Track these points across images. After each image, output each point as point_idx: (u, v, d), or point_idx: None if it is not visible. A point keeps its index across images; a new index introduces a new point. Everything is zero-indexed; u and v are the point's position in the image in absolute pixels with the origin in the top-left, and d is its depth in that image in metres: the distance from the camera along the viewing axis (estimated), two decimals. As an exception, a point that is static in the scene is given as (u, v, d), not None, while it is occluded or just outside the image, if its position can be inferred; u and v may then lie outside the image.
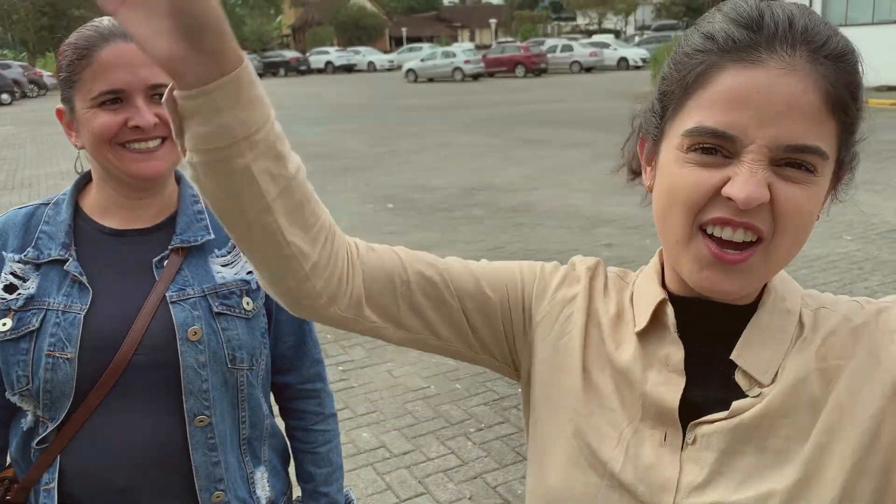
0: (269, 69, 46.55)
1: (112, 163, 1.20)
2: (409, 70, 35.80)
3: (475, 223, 7.68)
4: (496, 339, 0.88)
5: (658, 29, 52.14)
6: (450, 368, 4.31)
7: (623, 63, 36.02)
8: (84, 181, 1.32)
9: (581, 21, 69.66)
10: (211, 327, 1.23)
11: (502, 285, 0.88)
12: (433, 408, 3.86)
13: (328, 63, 48.06)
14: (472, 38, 77.03)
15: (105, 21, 1.21)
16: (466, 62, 34.24)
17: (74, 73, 1.18)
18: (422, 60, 35.90)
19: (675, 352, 0.79)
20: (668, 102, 0.77)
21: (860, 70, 0.72)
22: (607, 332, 0.85)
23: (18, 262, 1.23)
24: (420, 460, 3.37)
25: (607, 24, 64.75)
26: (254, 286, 1.30)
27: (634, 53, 36.58)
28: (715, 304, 0.78)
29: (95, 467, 1.21)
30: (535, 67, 34.57)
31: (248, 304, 1.28)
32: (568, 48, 35.96)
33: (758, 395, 0.75)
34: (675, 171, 0.73)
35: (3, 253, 1.24)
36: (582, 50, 34.55)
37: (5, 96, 30.43)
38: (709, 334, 0.79)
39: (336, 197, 9.28)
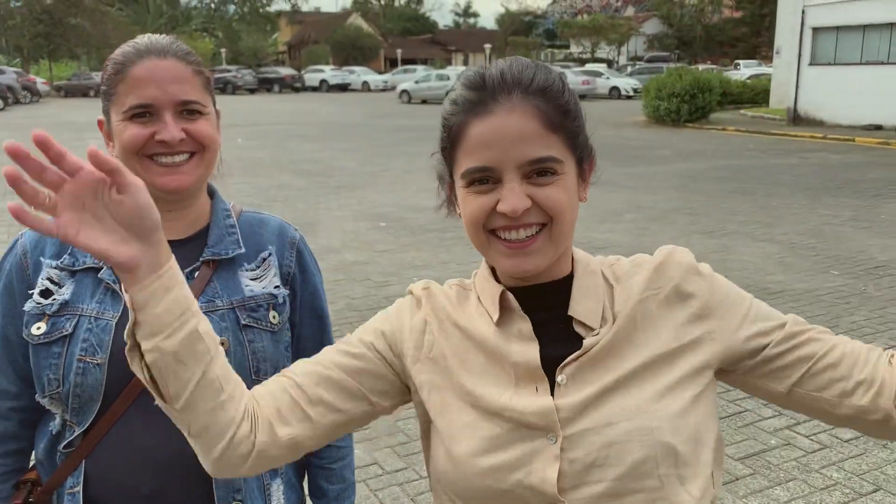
0: (263, 85, 46.71)
1: (139, 174, 1.23)
2: (403, 91, 36.05)
3: (467, 244, 7.66)
4: (389, 382, 1.05)
5: (650, 60, 52.89)
6: (442, 388, 4.33)
7: (615, 92, 36.48)
8: None
9: (574, 49, 70.48)
10: (238, 339, 1.27)
11: (370, 345, 1.05)
12: (425, 426, 3.88)
13: (323, 81, 48.31)
14: (465, 62, 77.67)
15: (143, 39, 1.26)
16: (460, 85, 34.51)
17: (111, 86, 1.23)
18: (416, 82, 36.22)
19: (524, 324, 1.00)
20: (447, 156, 1.01)
21: (566, 92, 0.96)
22: (468, 327, 1.03)
23: (55, 268, 1.26)
24: (412, 478, 3.39)
25: (600, 54, 65.55)
26: (280, 300, 1.33)
27: (626, 83, 37.07)
28: (542, 286, 1.01)
29: (119, 473, 1.23)
30: (529, 93, 34.81)
31: (274, 317, 1.32)
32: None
33: (597, 334, 0.98)
34: (464, 202, 0.98)
35: (41, 259, 1.27)
36: (574, 78, 34.89)
37: (-2, 102, 30.35)
38: (544, 306, 1.02)
39: (329, 214, 9.32)
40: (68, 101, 38.91)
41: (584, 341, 0.98)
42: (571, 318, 1.00)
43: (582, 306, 1.00)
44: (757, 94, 27.81)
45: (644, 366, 0.97)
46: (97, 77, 44.90)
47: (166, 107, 1.21)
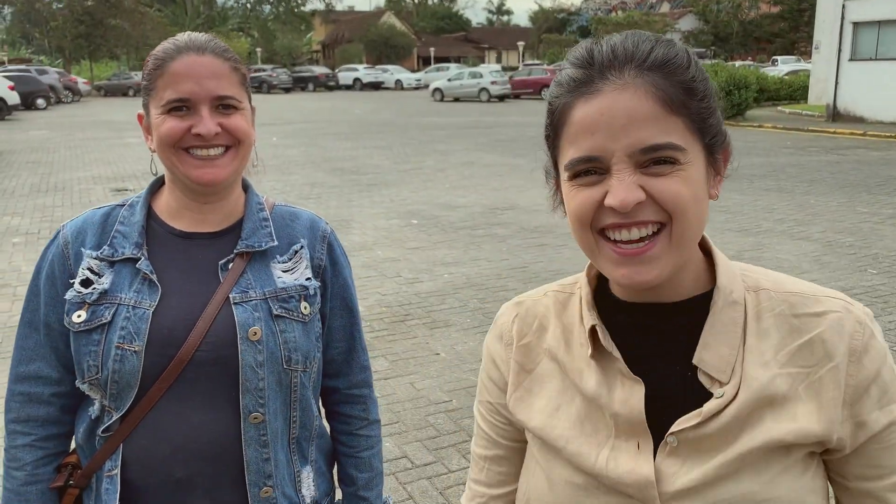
0: (298, 83, 47.13)
1: (176, 166, 1.27)
2: (436, 89, 36.09)
3: (498, 242, 7.74)
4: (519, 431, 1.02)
5: (686, 57, 52.09)
6: (472, 384, 4.35)
7: (649, 89, 36.05)
8: (157, 184, 1.40)
9: (608, 46, 69.80)
10: (270, 329, 1.30)
11: (494, 427, 1.06)
12: (455, 421, 3.91)
13: (356, 80, 48.59)
14: (498, 60, 77.49)
15: (182, 37, 1.30)
16: (493, 83, 34.48)
17: (151, 81, 1.27)
18: (448, 80, 36.21)
19: (624, 368, 0.87)
20: (551, 146, 0.90)
21: (692, 67, 0.82)
22: (565, 361, 0.94)
23: (95, 258, 1.30)
24: (441, 472, 3.42)
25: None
26: (311, 292, 1.36)
27: (661, 80, 36.60)
28: (661, 306, 0.87)
29: (155, 457, 1.27)
30: (562, 91, 34.66)
31: (305, 308, 1.34)
32: (595, 73, 36.04)
33: (721, 396, 0.83)
34: (569, 197, 0.85)
35: (82, 249, 1.31)
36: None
37: (41, 101, 31.07)
38: (660, 333, 0.87)
39: (362, 211, 9.39)
40: (108, 101, 39.69)
41: (706, 405, 0.83)
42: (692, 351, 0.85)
43: (713, 353, 0.84)
44: (795, 91, 27.32)
45: (767, 448, 0.82)
46: (136, 77, 45.76)
47: (203, 101, 1.24)
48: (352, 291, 1.48)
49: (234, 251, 1.33)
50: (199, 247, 1.34)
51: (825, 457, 0.87)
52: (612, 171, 0.80)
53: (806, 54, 44.86)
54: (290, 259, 1.37)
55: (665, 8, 73.73)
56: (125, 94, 43.11)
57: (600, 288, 0.95)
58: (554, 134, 0.87)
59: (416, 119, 24.45)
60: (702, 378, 0.84)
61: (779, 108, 25.44)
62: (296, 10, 73.65)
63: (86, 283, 1.29)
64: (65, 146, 16.87)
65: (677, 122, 0.80)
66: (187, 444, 1.27)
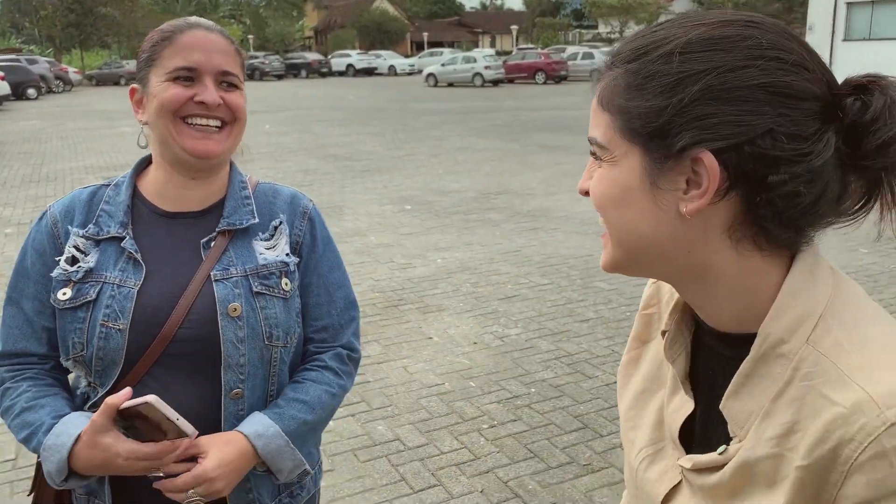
0: (290, 70, 46.92)
1: (171, 135, 1.28)
2: (430, 74, 35.95)
3: (491, 226, 7.76)
4: None
5: (680, 39, 51.86)
6: (463, 367, 4.38)
7: (643, 72, 35.96)
8: (143, 164, 1.42)
9: (603, 29, 69.60)
10: (250, 305, 1.32)
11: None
12: (447, 404, 3.94)
13: (349, 66, 48.35)
14: (492, 44, 77.16)
15: (191, 18, 1.34)
16: (487, 68, 34.36)
17: (156, 52, 1.30)
18: (442, 65, 36.06)
19: (685, 382, 0.84)
20: None
21: (647, 59, 0.71)
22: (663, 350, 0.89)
23: (81, 237, 1.32)
24: (433, 453, 3.45)
25: (629, 34, 64.57)
26: (292, 268, 1.38)
27: (655, 63, 36.50)
28: (716, 333, 0.78)
29: None
30: (556, 74, 34.62)
31: (286, 284, 1.36)
32: (589, 56, 35.98)
33: (722, 453, 0.74)
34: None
35: (70, 227, 1.33)
36: (602, 58, 34.39)
37: (32, 91, 30.90)
38: (730, 362, 0.76)
39: (355, 197, 9.39)
40: (99, 90, 39.47)
41: (700, 456, 0.77)
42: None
43: (738, 405, 0.73)
44: (789, 72, 27.28)
45: None
46: (128, 65, 45.50)
47: (208, 73, 1.28)
48: (333, 267, 1.46)
49: (217, 229, 1.35)
50: (183, 226, 1.36)
51: None
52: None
53: (801, 35, 44.66)
54: (272, 236, 1.39)
55: (659, -10, 73.40)
56: (116, 83, 42.86)
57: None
58: None
59: (410, 105, 24.39)
60: (730, 427, 0.74)
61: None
62: (287, -3, 73.27)
63: (71, 261, 1.31)
64: (56, 136, 16.80)
65: (605, 118, 0.74)
66: None
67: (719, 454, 0.74)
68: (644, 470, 0.86)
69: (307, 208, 1.46)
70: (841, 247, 6.64)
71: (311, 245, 1.44)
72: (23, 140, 16.31)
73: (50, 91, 35.15)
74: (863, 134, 0.68)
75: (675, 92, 0.69)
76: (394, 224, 7.98)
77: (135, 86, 1.35)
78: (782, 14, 63.66)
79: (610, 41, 56.11)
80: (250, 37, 61.95)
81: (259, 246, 1.37)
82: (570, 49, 40.45)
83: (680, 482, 0.81)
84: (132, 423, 1.18)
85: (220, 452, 1.25)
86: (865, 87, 0.69)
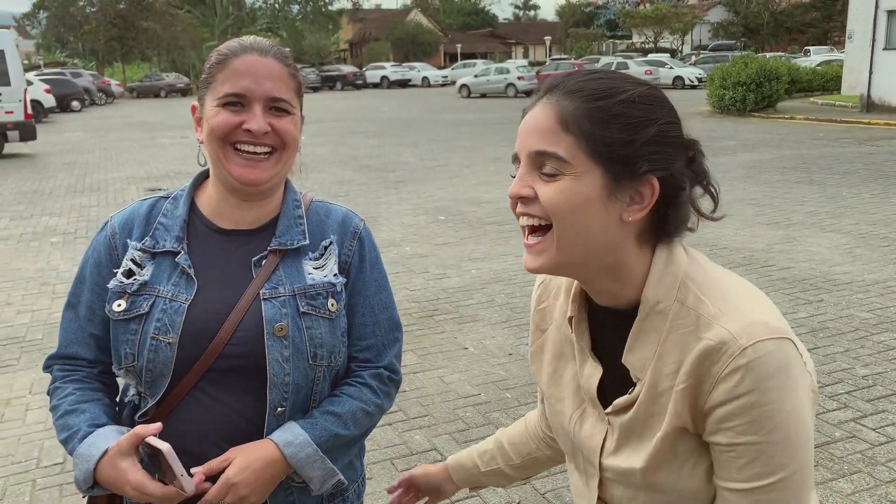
0: (326, 83, 47.46)
1: (221, 160, 1.31)
2: (463, 85, 36.09)
3: (526, 238, 7.74)
4: None
5: (715, 49, 51.49)
6: (500, 378, 4.39)
7: (678, 82, 35.72)
8: (201, 178, 1.44)
9: (637, 39, 69.23)
10: (297, 325, 1.33)
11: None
12: (483, 415, 3.95)
13: (384, 78, 48.79)
14: (525, 55, 77.22)
15: (248, 38, 1.35)
16: (520, 78, 34.39)
17: (212, 74, 1.32)
18: (475, 76, 36.17)
19: (590, 352, 1.08)
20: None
21: (605, 101, 0.93)
22: (563, 331, 1.12)
23: (139, 250, 1.36)
24: (470, 464, 3.45)
25: (663, 44, 64.23)
26: (339, 289, 1.38)
27: (690, 72, 36.24)
28: (611, 311, 1.03)
29: (188, 442, 1.31)
30: (589, 85, 34.39)
31: (332, 305, 1.37)
32: (623, 66, 35.76)
33: (630, 392, 1.00)
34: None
35: (128, 241, 1.37)
36: (637, 68, 34.31)
37: (76, 103, 31.72)
38: (618, 330, 1.02)
39: (389, 208, 9.47)
40: (140, 102, 40.34)
41: (617, 400, 1.02)
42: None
43: (635, 355, 0.99)
44: (828, 82, 26.84)
45: (662, 440, 0.98)
46: (168, 78, 46.47)
47: (257, 99, 1.28)
48: (380, 289, 1.46)
49: (268, 248, 1.37)
50: (237, 243, 1.37)
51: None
52: (520, 165, 0.97)
53: (839, 44, 43.99)
54: (321, 256, 1.39)
55: (693, 0, 72.84)
56: (157, 96, 43.78)
57: None
58: None
59: (443, 116, 24.50)
60: (632, 374, 1.00)
61: (811, 99, 25.03)
62: (323, 10, 74.00)
63: (128, 273, 1.34)
64: (99, 147, 17.21)
65: (569, 139, 0.92)
66: (216, 431, 1.32)
67: (629, 394, 1.00)
68: (578, 431, 1.09)
69: (357, 228, 1.46)
70: (884, 259, 6.51)
71: (360, 265, 1.44)
72: (67, 151, 16.74)
73: (93, 103, 36.03)
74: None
75: (636, 130, 0.93)
76: (428, 234, 8.02)
77: (195, 104, 1.38)
78: (820, 22, 62.60)
79: (644, 51, 55.71)
80: (287, 49, 62.54)
81: (308, 265, 1.38)
82: (604, 59, 40.33)
83: (607, 431, 1.04)
84: (155, 455, 1.23)
85: (243, 459, 1.27)
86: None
